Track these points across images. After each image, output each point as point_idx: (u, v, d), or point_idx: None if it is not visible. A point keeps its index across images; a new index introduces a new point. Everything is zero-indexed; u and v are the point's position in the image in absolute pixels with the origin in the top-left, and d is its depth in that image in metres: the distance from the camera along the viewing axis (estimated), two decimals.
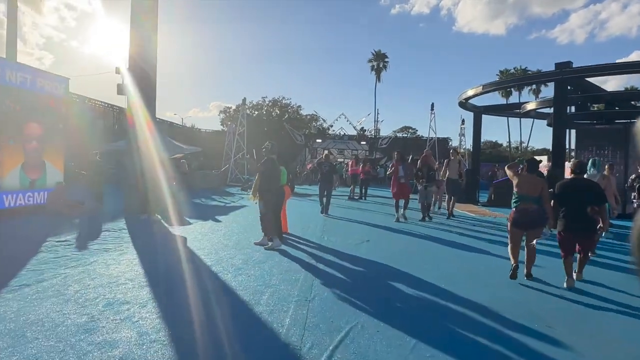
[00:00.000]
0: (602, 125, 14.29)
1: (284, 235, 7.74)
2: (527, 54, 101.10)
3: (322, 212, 11.51)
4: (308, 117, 55.94)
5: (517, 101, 29.88)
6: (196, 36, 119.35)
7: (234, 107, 51.58)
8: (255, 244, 7.14)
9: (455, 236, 8.49)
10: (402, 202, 10.39)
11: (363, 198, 16.99)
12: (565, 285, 5.07)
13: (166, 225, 9.37)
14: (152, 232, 8.44)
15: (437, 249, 7.10)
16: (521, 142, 65.40)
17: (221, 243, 7.29)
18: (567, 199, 5.14)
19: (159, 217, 10.08)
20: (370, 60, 57.01)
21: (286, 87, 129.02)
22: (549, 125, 17.73)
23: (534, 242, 5.21)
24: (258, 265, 5.70)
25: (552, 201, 5.26)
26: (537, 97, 47.01)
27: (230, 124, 30.84)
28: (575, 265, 5.35)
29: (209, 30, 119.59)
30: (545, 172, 11.45)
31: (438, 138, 37.80)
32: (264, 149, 7.34)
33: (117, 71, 11.89)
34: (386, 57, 56.29)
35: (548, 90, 50.13)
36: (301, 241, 7.52)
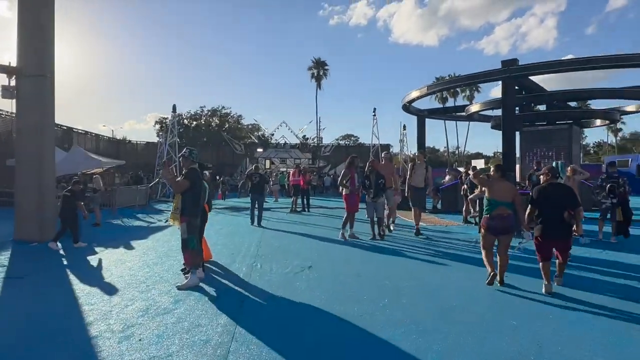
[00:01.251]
0: (545, 126, 14.07)
1: (206, 264, 6.25)
2: (459, 63, 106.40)
3: (253, 224, 11.36)
4: (249, 126, 54.43)
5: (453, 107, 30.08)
6: (132, 46, 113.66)
7: (169, 117, 48.86)
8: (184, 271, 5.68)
9: (413, 255, 7.35)
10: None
11: (306, 210, 15.72)
12: (543, 290, 4.94)
13: (63, 255, 7.55)
14: (39, 268, 6.61)
15: (394, 276, 5.85)
16: (458, 147, 67.54)
17: (123, 281, 5.65)
18: (545, 204, 5.07)
19: (59, 245, 8.21)
20: (310, 68, 56.38)
21: (226, 97, 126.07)
22: (493, 127, 17.51)
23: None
24: (160, 318, 4.16)
25: (529, 206, 5.21)
26: (471, 102, 48.40)
27: (162, 134, 28.49)
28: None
29: (146, 40, 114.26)
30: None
31: (380, 144, 37.56)
32: (181, 157, 5.80)
33: (3, 70, 9.79)
34: (326, 65, 55.96)
35: (481, 97, 51.91)
36: (227, 273, 6.03)
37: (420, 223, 10.13)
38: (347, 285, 5.25)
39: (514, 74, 10.34)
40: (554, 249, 5.13)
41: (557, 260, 5.17)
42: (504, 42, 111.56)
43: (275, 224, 12.05)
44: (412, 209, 9.47)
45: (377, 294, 4.86)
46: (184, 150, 5.82)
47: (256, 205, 11.57)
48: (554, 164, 7.06)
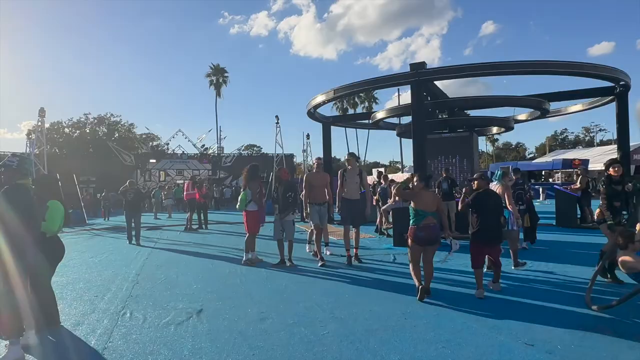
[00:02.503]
0: (449, 133, 14.08)
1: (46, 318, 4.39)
2: (357, 77, 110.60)
3: (130, 242, 10.67)
4: (144, 136, 50.20)
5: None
6: (9, 48, 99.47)
7: (47, 125, 42.92)
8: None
9: (329, 284, 6.18)
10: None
11: (204, 227, 13.91)
12: (476, 294, 5.09)
13: None
14: None
15: (309, 318, 4.52)
16: (358, 157, 69.37)
17: None
18: (482, 211, 5.23)
19: None
20: (208, 75, 53.43)
21: (116, 105, 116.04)
22: (398, 135, 17.39)
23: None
24: None
25: (472, 212, 5.38)
26: (369, 117, 49.78)
27: (29, 143, 24.24)
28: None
29: (26, 42, 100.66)
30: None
31: (284, 154, 36.53)
32: (1, 168, 3.94)
33: None
34: (225, 72, 53.49)
35: (378, 108, 54.27)
36: (78, 330, 4.24)
37: (330, 237, 9.04)
38: (249, 340, 3.84)
39: (422, 77, 9.90)
40: (487, 257, 5.48)
41: (494, 267, 5.40)
42: (396, 59, 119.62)
43: (165, 246, 10.21)
44: (344, 228, 7.52)
45: (291, 353, 3.54)
46: (5, 159, 4.01)
47: (132, 224, 10.74)
48: (498, 171, 6.88)
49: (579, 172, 12.98)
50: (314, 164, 7.84)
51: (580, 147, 60.63)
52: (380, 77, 10.73)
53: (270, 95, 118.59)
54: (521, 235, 8.62)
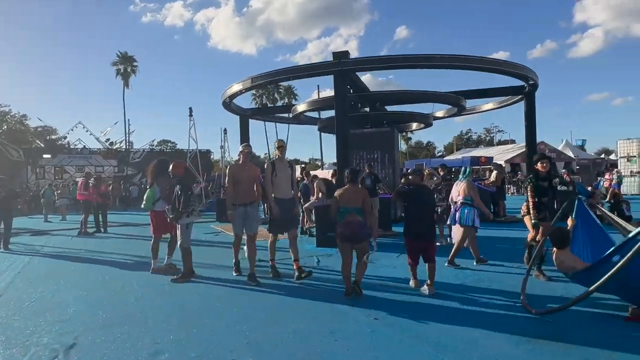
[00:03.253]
0: (370, 129, 13.79)
1: None
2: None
3: (5, 249, 9.16)
4: (38, 129, 44.93)
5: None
6: None
7: None
8: None
9: (245, 298, 5.33)
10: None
11: (102, 230, 12.19)
12: (411, 284, 5.25)
13: None
14: None
15: (218, 348, 3.73)
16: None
17: None
18: (415, 203, 5.24)
19: None
20: (115, 63, 48.90)
21: (5, 93, 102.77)
22: (319, 129, 16.89)
23: (365, 258, 4.99)
24: None
25: (404, 206, 5.48)
26: (290, 111, 49.07)
27: None
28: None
29: None
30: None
31: (200, 150, 34.52)
32: None
33: None
34: (135, 60, 49.24)
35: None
36: None
37: (228, 232, 7.95)
38: None
39: (345, 67, 9.37)
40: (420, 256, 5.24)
41: (427, 265, 5.12)
42: (315, 57, 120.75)
43: (50, 254, 8.60)
44: (271, 236, 6.15)
45: None
46: None
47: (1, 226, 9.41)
48: (467, 169, 6.90)
49: (492, 168, 13.47)
50: (240, 153, 6.15)
51: (482, 146, 65.33)
52: (302, 66, 10.10)
53: (187, 88, 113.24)
54: (446, 231, 8.48)
